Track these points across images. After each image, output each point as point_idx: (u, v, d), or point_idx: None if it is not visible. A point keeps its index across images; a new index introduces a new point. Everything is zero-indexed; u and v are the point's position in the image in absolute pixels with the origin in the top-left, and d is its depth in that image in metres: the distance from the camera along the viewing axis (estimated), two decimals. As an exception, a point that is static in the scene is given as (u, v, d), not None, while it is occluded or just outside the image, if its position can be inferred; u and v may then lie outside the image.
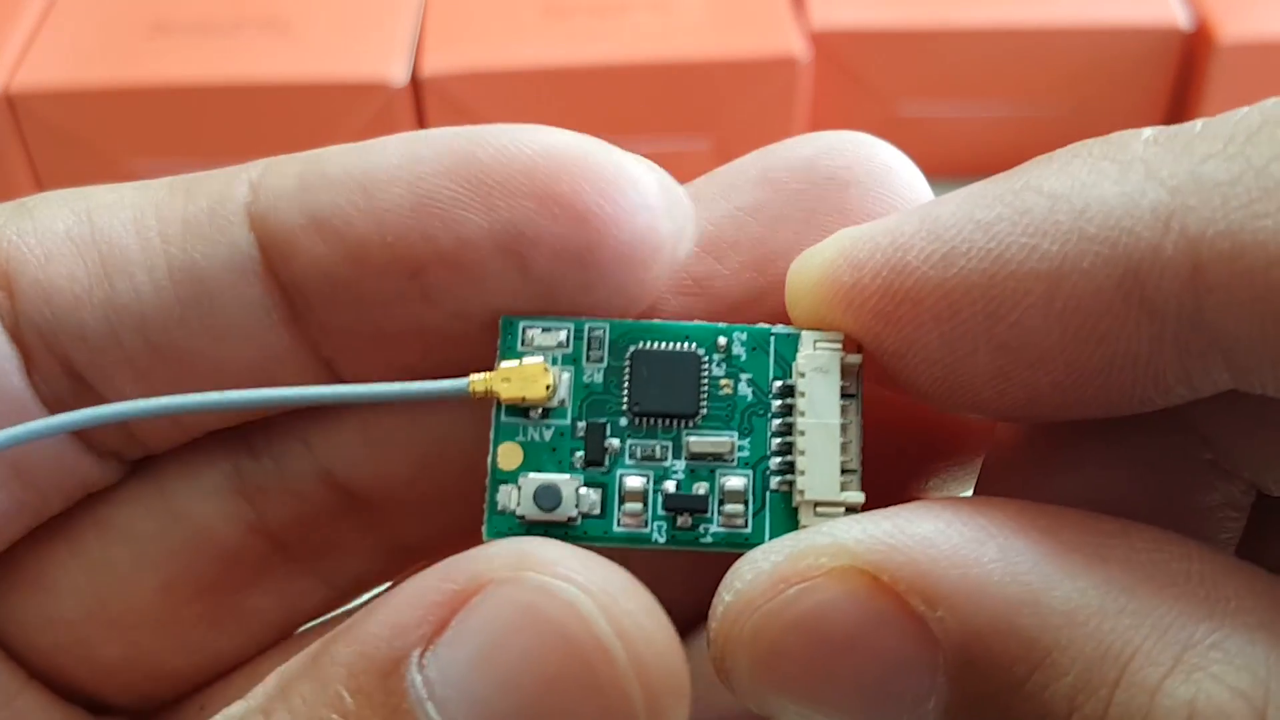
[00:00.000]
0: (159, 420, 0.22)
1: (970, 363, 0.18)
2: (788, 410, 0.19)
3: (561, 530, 0.19)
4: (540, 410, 0.19)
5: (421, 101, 0.55)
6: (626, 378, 0.20)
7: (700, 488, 0.19)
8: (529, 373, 0.19)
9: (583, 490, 0.19)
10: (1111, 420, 0.19)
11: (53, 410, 0.21)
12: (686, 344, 0.20)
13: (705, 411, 0.19)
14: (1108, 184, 0.17)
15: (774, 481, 0.19)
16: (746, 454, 0.19)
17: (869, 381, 0.20)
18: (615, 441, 0.19)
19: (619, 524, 0.19)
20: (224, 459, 0.23)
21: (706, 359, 0.20)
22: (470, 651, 0.17)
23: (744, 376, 0.20)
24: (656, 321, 0.20)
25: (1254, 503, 0.20)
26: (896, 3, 0.58)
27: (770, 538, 0.19)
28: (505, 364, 0.19)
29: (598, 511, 0.19)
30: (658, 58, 0.55)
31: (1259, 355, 0.16)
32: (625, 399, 0.20)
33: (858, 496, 0.19)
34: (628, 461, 0.19)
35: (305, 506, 0.23)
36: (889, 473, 0.22)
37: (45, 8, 0.58)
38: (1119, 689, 0.16)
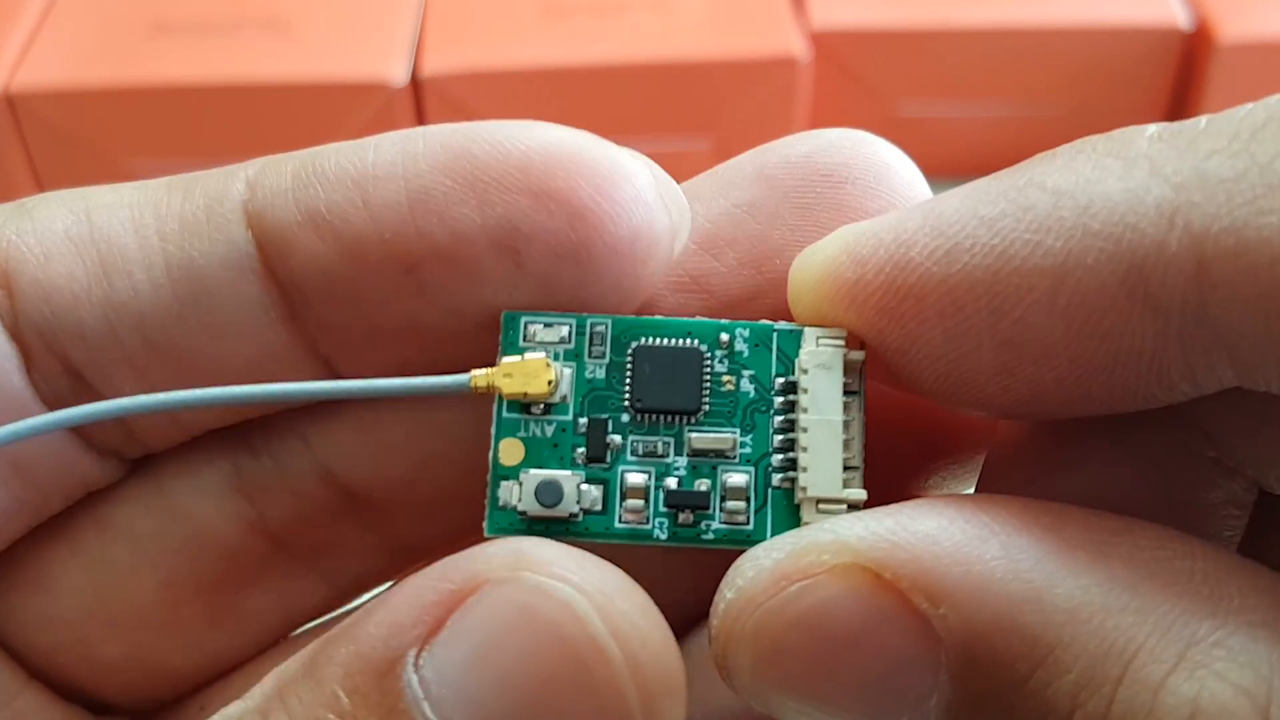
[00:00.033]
0: (158, 418, 0.22)
1: (974, 359, 0.18)
2: (790, 407, 0.19)
3: (563, 526, 0.19)
4: (542, 406, 0.19)
5: (421, 101, 0.55)
6: (628, 374, 0.20)
7: (702, 484, 0.19)
8: (531, 368, 0.19)
9: (584, 486, 0.19)
10: (1114, 417, 0.19)
11: (52, 408, 0.21)
12: (689, 340, 0.20)
13: (707, 408, 0.19)
14: (1112, 180, 0.17)
15: (776, 478, 0.19)
16: (749, 450, 0.19)
17: (871, 378, 0.20)
18: (617, 438, 0.19)
19: (620, 520, 0.19)
20: (224, 458, 0.23)
21: (709, 355, 0.20)
22: (466, 651, 0.17)
23: (746, 373, 0.20)
24: (659, 317, 0.20)
25: (1256, 500, 0.20)
26: (896, 3, 0.58)
27: (772, 535, 0.19)
28: (507, 359, 0.19)
29: (599, 508, 0.19)
30: (658, 58, 0.55)
31: (1263, 352, 0.16)
32: (627, 395, 0.19)
33: (860, 494, 0.19)
34: (629, 458, 0.19)
35: (305, 505, 0.23)
36: (891, 470, 0.22)
37: (45, 8, 0.58)
38: (1122, 686, 0.16)
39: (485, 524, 0.19)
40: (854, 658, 0.17)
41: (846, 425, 0.19)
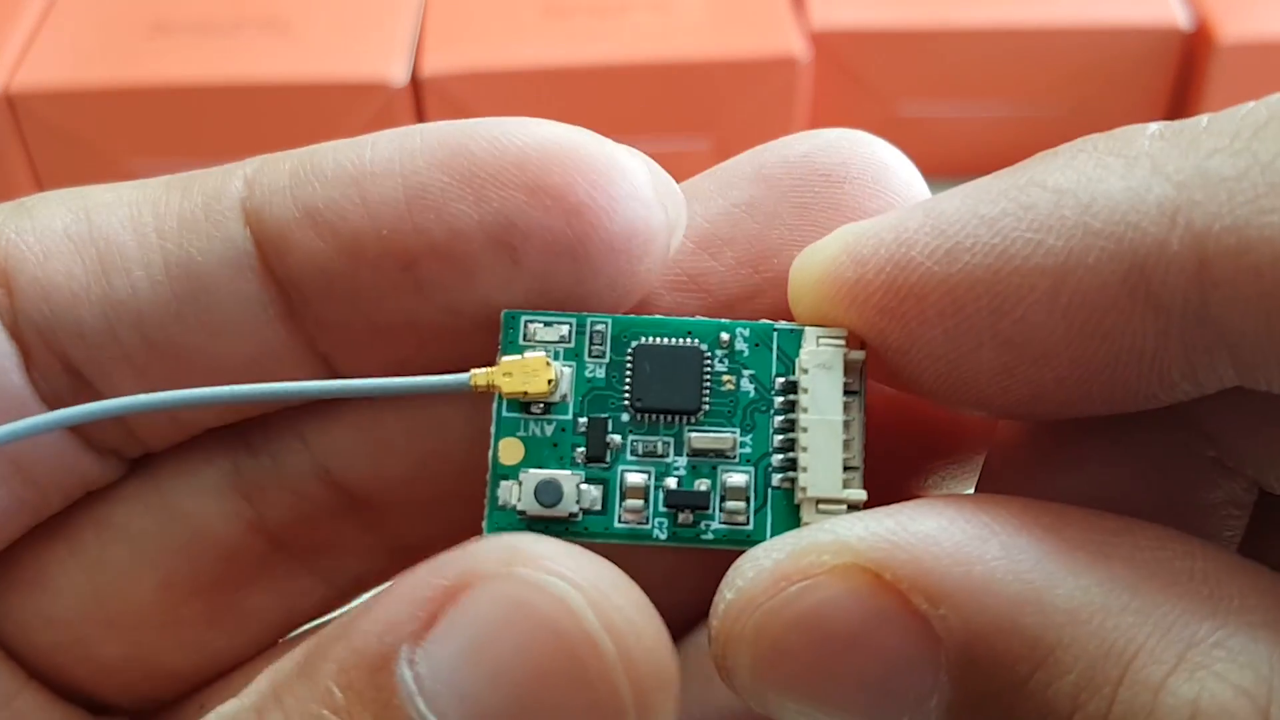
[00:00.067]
0: (157, 417, 0.22)
1: (974, 359, 0.18)
2: (790, 407, 0.19)
3: (562, 526, 0.19)
4: (542, 405, 0.19)
5: (421, 101, 0.55)
6: (628, 373, 0.20)
7: (702, 484, 0.19)
8: (531, 367, 0.19)
9: (584, 486, 0.19)
10: (1114, 417, 0.19)
11: (52, 407, 0.21)
12: (689, 339, 0.20)
13: (707, 408, 0.19)
14: (1113, 179, 0.17)
15: (776, 478, 0.19)
16: (749, 450, 0.19)
17: (872, 378, 0.20)
18: (617, 437, 0.19)
19: (620, 520, 0.19)
20: (222, 457, 0.23)
21: (709, 355, 0.20)
22: (460, 646, 0.17)
23: (746, 372, 0.20)
24: (659, 316, 0.20)
25: (1256, 500, 0.20)
26: (896, 3, 0.58)
27: (772, 535, 0.19)
28: (507, 358, 0.19)
29: (599, 508, 0.19)
30: (658, 58, 0.55)
31: (1264, 351, 0.16)
32: (627, 394, 0.19)
33: (860, 494, 0.19)
34: (629, 457, 0.19)
35: (304, 505, 0.23)
36: (891, 470, 0.22)
37: (45, 8, 0.58)
38: (1122, 687, 0.16)
39: (484, 523, 0.19)
40: (854, 658, 0.17)
41: (847, 425, 0.19)
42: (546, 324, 0.20)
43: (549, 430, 0.19)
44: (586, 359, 0.20)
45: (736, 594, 0.18)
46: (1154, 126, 0.17)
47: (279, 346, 0.21)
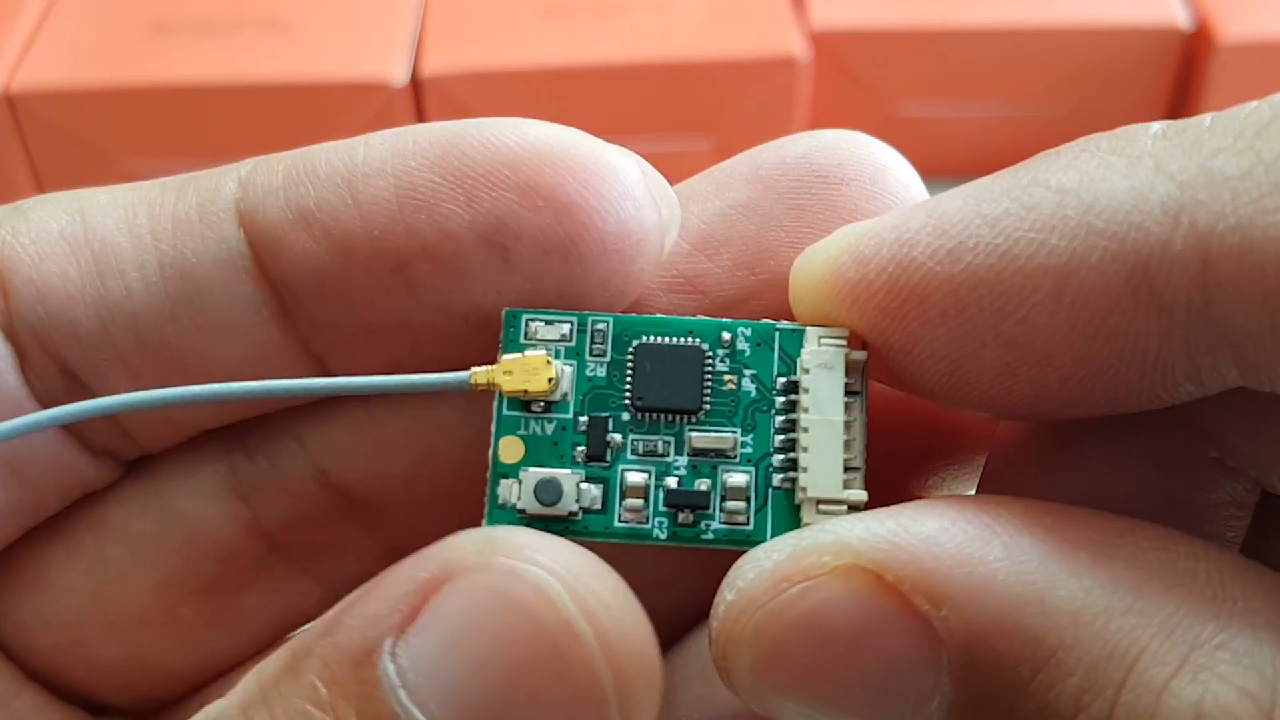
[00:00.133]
0: (153, 418, 0.22)
1: (977, 359, 0.18)
2: (791, 407, 0.19)
3: (562, 525, 0.19)
4: (542, 404, 0.19)
5: (421, 101, 0.55)
6: (629, 372, 0.19)
7: (702, 484, 0.19)
8: (531, 366, 0.19)
9: (584, 485, 0.19)
10: (1116, 418, 0.18)
11: (47, 408, 0.21)
12: (690, 339, 0.20)
13: (708, 407, 0.19)
14: (1116, 178, 0.17)
15: (777, 479, 0.19)
16: (749, 450, 0.19)
17: (873, 379, 0.20)
18: (617, 436, 0.19)
19: (620, 520, 0.19)
20: (220, 458, 0.23)
21: (710, 354, 0.20)
22: (441, 638, 0.17)
23: (748, 372, 0.20)
24: (660, 316, 0.20)
25: (1259, 501, 0.20)
26: (896, 3, 0.58)
27: (772, 535, 0.19)
28: (507, 357, 0.19)
29: (599, 507, 0.19)
30: (658, 58, 0.55)
31: (1268, 351, 0.16)
32: (628, 393, 0.19)
33: (860, 494, 0.19)
34: (630, 457, 0.19)
35: (301, 506, 0.23)
36: (893, 470, 0.22)
37: (45, 8, 0.58)
38: (1125, 689, 0.16)
39: (484, 522, 0.19)
40: (855, 660, 0.17)
41: (848, 426, 0.19)
42: (548, 322, 0.20)
43: (549, 429, 0.19)
44: (587, 358, 0.20)
45: (737, 595, 0.18)
46: (1157, 126, 0.17)
47: (273, 348, 0.21)
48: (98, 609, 0.23)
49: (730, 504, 0.19)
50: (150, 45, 0.56)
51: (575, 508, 0.19)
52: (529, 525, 0.19)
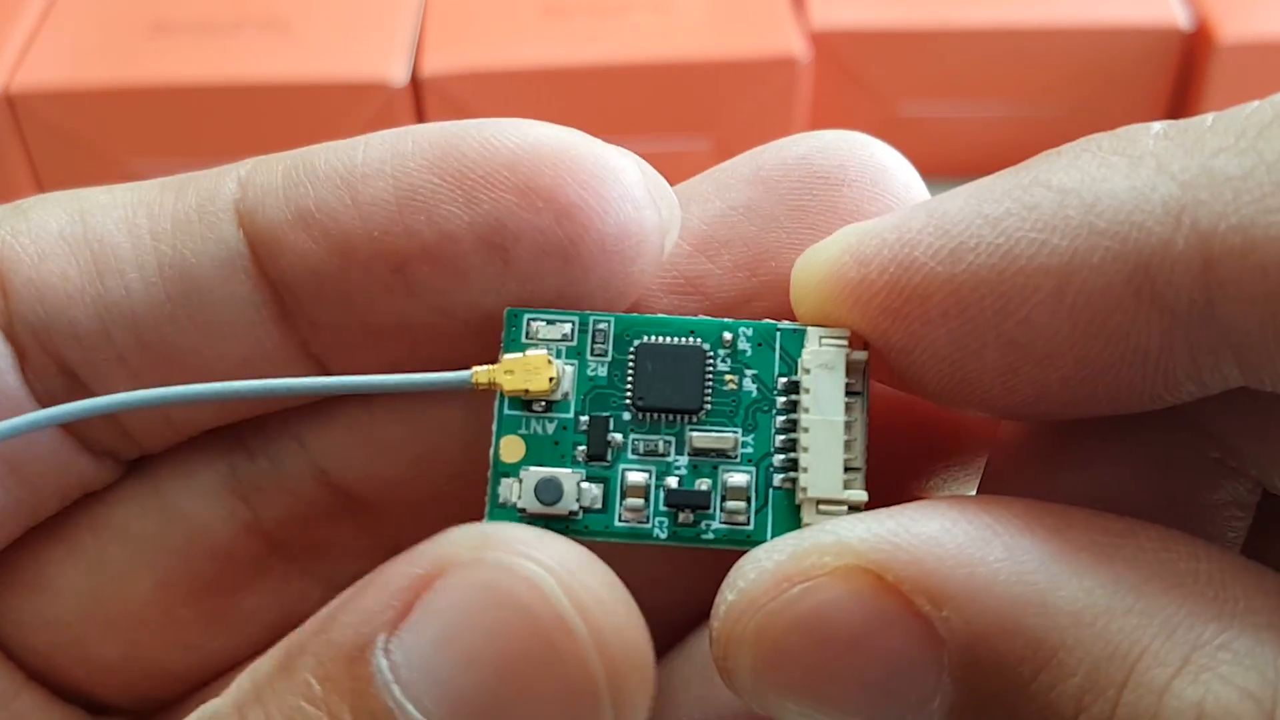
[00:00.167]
0: (153, 418, 0.22)
1: (978, 359, 0.18)
2: (792, 407, 0.19)
3: (562, 524, 0.19)
4: (543, 403, 0.19)
5: (421, 101, 0.55)
6: (630, 372, 0.19)
7: (703, 484, 0.19)
8: (533, 365, 0.19)
9: (584, 484, 0.19)
10: (1117, 418, 0.18)
11: (47, 408, 0.21)
12: (692, 339, 0.20)
13: (709, 407, 0.19)
14: (1118, 178, 0.17)
15: (777, 479, 0.19)
16: (750, 450, 0.19)
17: (875, 379, 0.20)
18: (618, 436, 0.19)
19: (620, 519, 0.19)
20: (219, 459, 0.23)
21: (711, 354, 0.20)
22: (434, 633, 0.17)
23: (749, 372, 0.20)
24: (661, 315, 0.20)
25: (1259, 502, 0.20)
26: (896, 3, 0.58)
27: (772, 535, 0.19)
28: (509, 356, 0.19)
29: (599, 506, 0.19)
30: (658, 58, 0.55)
31: (1270, 351, 0.16)
32: (629, 393, 0.19)
33: (861, 495, 0.19)
34: (630, 456, 0.19)
35: (301, 506, 0.23)
36: (894, 471, 0.22)
37: (45, 8, 0.58)
38: (1126, 689, 0.16)
39: (485, 521, 0.19)
40: (855, 660, 0.17)
41: (848, 426, 0.19)
42: (549, 322, 0.20)
43: (550, 428, 0.19)
44: (589, 357, 0.20)
45: (738, 595, 0.18)
46: (1158, 126, 0.17)
47: (272, 348, 0.21)
48: (97, 609, 0.23)
49: (731, 504, 0.19)
50: (150, 45, 0.56)
51: (576, 507, 0.19)
52: (530, 524, 0.19)
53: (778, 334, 0.20)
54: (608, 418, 0.19)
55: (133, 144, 0.56)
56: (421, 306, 0.20)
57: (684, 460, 0.19)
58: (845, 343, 0.19)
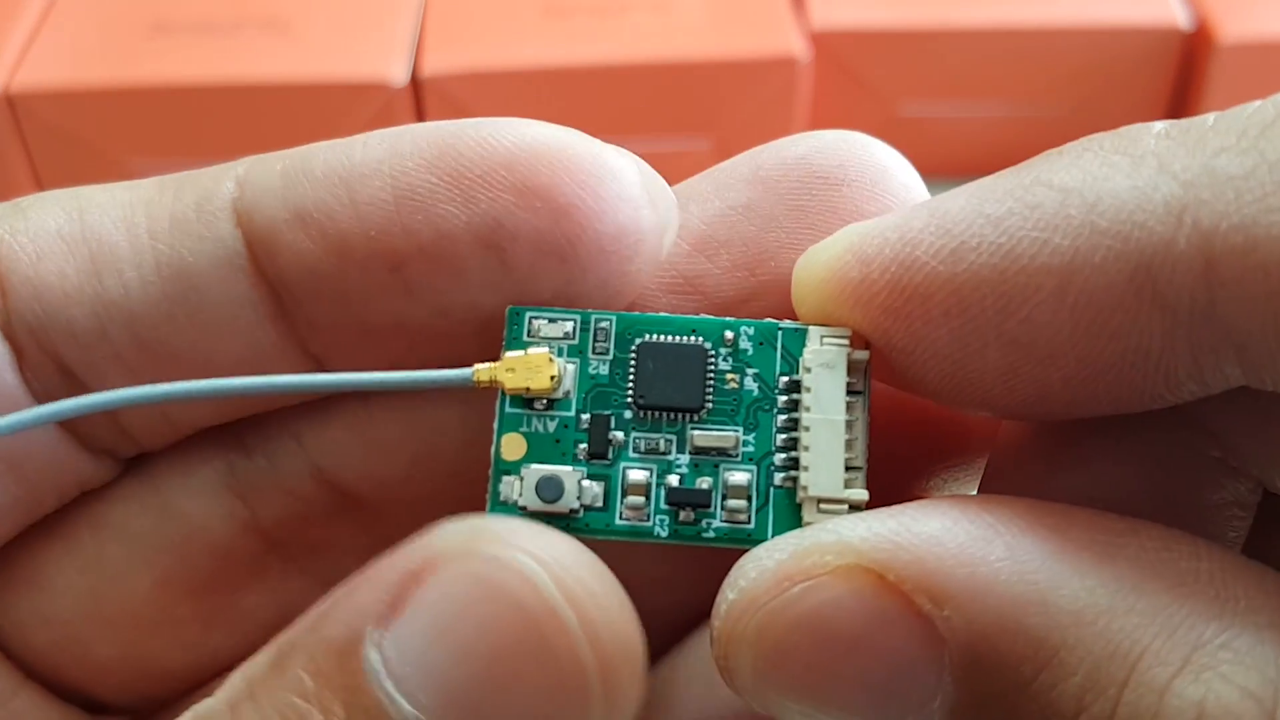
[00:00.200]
0: (150, 416, 0.22)
1: (980, 359, 0.18)
2: (794, 406, 0.19)
3: (563, 522, 0.19)
4: (545, 401, 0.19)
5: (421, 101, 0.55)
6: (632, 370, 0.19)
7: (704, 482, 0.19)
8: (534, 363, 0.19)
9: (585, 483, 0.19)
10: (1118, 417, 0.18)
11: None
12: (693, 337, 0.20)
13: (710, 406, 0.19)
14: (1120, 178, 0.17)
15: (778, 477, 0.19)
16: (751, 449, 0.19)
17: (876, 378, 0.20)
18: (619, 434, 0.19)
19: (621, 517, 0.19)
20: (217, 457, 0.23)
21: (713, 353, 0.20)
22: (425, 626, 0.17)
23: (750, 371, 0.20)
24: (663, 314, 0.20)
25: (1260, 501, 0.20)
26: (896, 3, 0.58)
27: (773, 534, 0.19)
28: (510, 354, 0.19)
29: (600, 504, 0.19)
30: (658, 58, 0.55)
31: (1271, 350, 0.16)
32: (630, 391, 0.19)
33: (862, 494, 0.19)
34: (631, 455, 0.19)
35: (299, 505, 0.23)
36: (895, 470, 0.22)
37: (45, 8, 0.58)
38: (1127, 689, 0.16)
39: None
40: (856, 659, 0.17)
41: (849, 425, 0.19)
42: (551, 320, 0.20)
43: (551, 426, 0.19)
44: (590, 355, 0.20)
45: (739, 594, 0.18)
46: (1160, 125, 0.17)
47: (270, 347, 0.21)
48: (96, 607, 0.23)
49: (731, 502, 0.19)
50: (150, 45, 0.56)
51: (576, 505, 0.19)
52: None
53: (779, 333, 0.20)
54: (609, 416, 0.19)
55: (133, 144, 0.56)
56: (419, 306, 0.20)
57: (685, 459, 0.19)
58: (846, 342, 0.19)
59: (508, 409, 0.19)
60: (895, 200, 0.21)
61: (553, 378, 0.19)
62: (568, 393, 0.19)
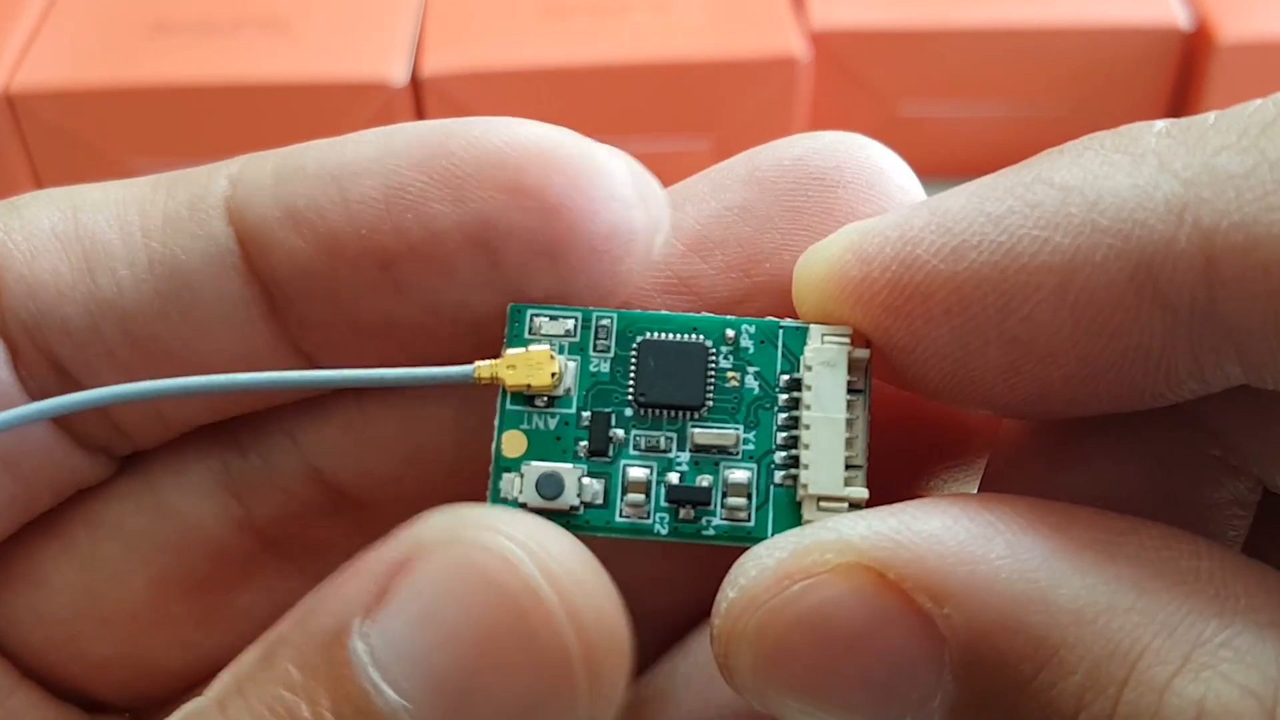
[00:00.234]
0: (144, 413, 0.22)
1: (980, 358, 0.18)
2: (794, 404, 0.19)
3: (563, 519, 0.19)
4: (545, 398, 0.19)
5: (421, 101, 0.55)
6: (633, 368, 0.19)
7: (704, 480, 0.19)
8: (535, 360, 0.19)
9: (585, 480, 0.19)
10: (1118, 416, 0.18)
11: None
12: (694, 335, 0.20)
13: (711, 404, 0.19)
14: (1120, 176, 0.17)
15: (778, 475, 0.19)
16: (751, 447, 0.19)
17: (876, 377, 0.20)
18: (620, 432, 0.19)
19: (621, 515, 0.19)
20: (212, 456, 0.23)
21: (714, 351, 0.20)
22: (410, 614, 0.17)
23: (751, 369, 0.20)
24: (664, 312, 0.20)
25: (1260, 500, 0.20)
26: (896, 3, 0.58)
27: (773, 532, 0.19)
28: (511, 351, 0.19)
29: (600, 501, 0.19)
30: (658, 58, 0.55)
31: (1271, 349, 0.16)
32: (631, 389, 0.19)
33: (861, 492, 0.19)
34: (632, 452, 0.19)
35: (293, 504, 0.23)
36: (895, 469, 0.21)
37: (45, 8, 0.58)
38: (1127, 687, 0.16)
39: None
40: (857, 658, 0.17)
41: (850, 424, 0.19)
42: (552, 318, 0.20)
43: (552, 423, 0.19)
44: (591, 353, 0.20)
45: (739, 592, 0.18)
46: (1161, 124, 0.17)
47: (262, 345, 0.21)
48: (91, 606, 0.23)
49: (732, 500, 0.19)
50: (150, 45, 0.56)
51: (577, 502, 0.19)
52: None
53: (780, 331, 0.20)
54: (610, 413, 0.19)
55: (133, 144, 0.56)
56: (410, 305, 0.20)
57: (685, 456, 0.19)
58: (847, 340, 0.19)
59: (508, 406, 0.19)
60: (891, 202, 0.21)
61: (554, 375, 0.19)
62: (568, 390, 0.19)
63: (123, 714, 0.24)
